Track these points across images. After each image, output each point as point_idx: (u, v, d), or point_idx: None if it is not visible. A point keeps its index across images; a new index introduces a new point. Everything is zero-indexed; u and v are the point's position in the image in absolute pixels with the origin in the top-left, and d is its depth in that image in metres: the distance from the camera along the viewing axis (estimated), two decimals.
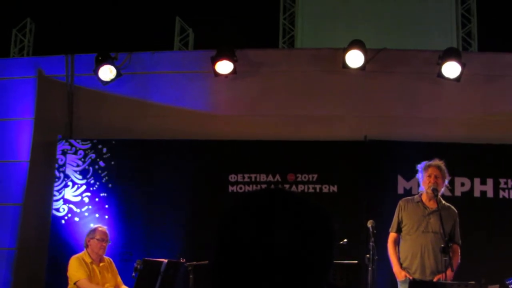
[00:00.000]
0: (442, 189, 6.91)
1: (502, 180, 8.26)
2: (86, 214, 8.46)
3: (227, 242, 1.45)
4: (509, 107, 8.57)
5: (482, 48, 13.15)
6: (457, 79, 8.43)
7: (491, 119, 8.52)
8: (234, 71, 8.61)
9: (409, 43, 11.19)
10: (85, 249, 7.38)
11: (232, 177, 8.46)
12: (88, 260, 7.27)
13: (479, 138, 8.33)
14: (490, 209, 8.18)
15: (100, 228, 7.46)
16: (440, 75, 8.46)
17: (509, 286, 6.39)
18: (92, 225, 7.91)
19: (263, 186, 8.37)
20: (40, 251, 8.33)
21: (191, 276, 6.84)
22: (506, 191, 8.22)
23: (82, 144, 8.66)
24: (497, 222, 8.08)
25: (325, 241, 1.48)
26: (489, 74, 8.72)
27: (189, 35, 12.83)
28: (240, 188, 8.42)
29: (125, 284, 7.43)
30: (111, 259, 7.54)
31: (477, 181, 8.27)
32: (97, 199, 8.50)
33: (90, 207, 8.49)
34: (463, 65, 8.37)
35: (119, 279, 7.49)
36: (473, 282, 6.08)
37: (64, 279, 7.24)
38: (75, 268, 7.16)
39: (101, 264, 7.36)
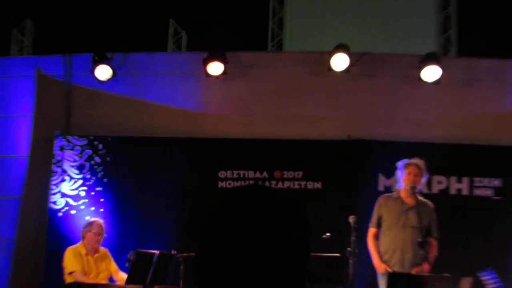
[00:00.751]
0: (420, 187, 7.05)
1: (476, 179, 8.36)
2: (82, 207, 8.51)
3: (211, 233, 1.44)
4: (485, 110, 8.65)
5: (460, 53, 13.27)
6: (436, 82, 8.53)
7: (468, 121, 8.57)
8: (224, 72, 8.65)
9: (392, 47, 11.21)
10: (81, 241, 7.47)
11: (222, 174, 8.52)
12: (83, 251, 7.36)
13: (456, 139, 8.41)
14: (465, 206, 8.28)
15: (97, 222, 7.54)
16: (420, 78, 8.54)
17: (482, 279, 6.49)
18: (88, 218, 8.01)
19: (251, 182, 8.37)
20: (38, 242, 8.38)
21: (181, 267, 6.87)
22: (480, 189, 8.34)
23: (79, 141, 8.69)
24: (471, 219, 8.18)
25: (303, 232, 1.47)
26: (467, 78, 8.78)
27: (182, 37, 12.92)
28: (229, 184, 8.45)
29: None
30: (106, 249, 7.62)
31: (453, 179, 8.39)
32: (93, 193, 8.55)
33: (86, 200, 8.54)
34: (442, 69, 8.45)
35: (115, 266, 7.56)
36: (448, 275, 6.22)
37: (61, 269, 7.29)
38: (70, 260, 7.26)
39: (95, 255, 7.44)
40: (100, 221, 7.64)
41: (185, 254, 6.91)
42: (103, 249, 7.60)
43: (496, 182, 8.36)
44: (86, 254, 7.39)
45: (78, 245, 7.47)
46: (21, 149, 8.82)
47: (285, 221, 1.44)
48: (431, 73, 8.54)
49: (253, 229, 1.40)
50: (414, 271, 6.64)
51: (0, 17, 12.41)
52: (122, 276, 7.29)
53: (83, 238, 7.48)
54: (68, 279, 7.18)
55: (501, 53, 9.50)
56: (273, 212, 1.44)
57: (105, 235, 7.61)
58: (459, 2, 14.46)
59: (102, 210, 8.48)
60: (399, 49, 10.97)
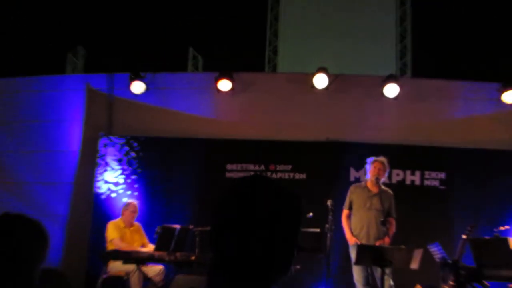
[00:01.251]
0: (383, 178, 7.03)
1: (426, 172, 8.36)
2: (121, 191, 8.50)
3: (220, 213, 1.43)
4: (432, 119, 8.63)
5: (414, 75, 13.30)
6: (395, 98, 8.51)
7: (419, 128, 8.55)
8: (232, 88, 8.62)
9: (361, 70, 11.27)
10: (120, 217, 7.51)
11: (229, 166, 8.50)
12: (122, 225, 7.41)
13: (410, 142, 8.39)
14: (417, 193, 8.27)
15: (133, 203, 7.59)
16: (383, 94, 8.52)
17: (430, 250, 6.45)
18: (125, 200, 8.02)
19: (251, 173, 8.39)
20: (85, 218, 8.37)
21: (197, 238, 6.86)
22: (429, 180, 8.34)
23: (119, 140, 8.69)
24: (422, 203, 8.17)
25: (296, 214, 1.46)
26: (418, 94, 8.76)
27: (198, 61, 12.92)
28: (235, 174, 8.44)
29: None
30: (139, 224, 7.63)
31: (408, 172, 8.38)
32: (129, 181, 8.54)
33: (123, 186, 8.53)
34: (399, 87, 8.44)
35: (145, 239, 7.56)
36: (404, 247, 6.24)
37: (104, 239, 7.33)
38: (111, 230, 7.30)
39: (131, 228, 7.48)
40: (135, 202, 7.68)
41: (200, 228, 6.90)
42: (137, 224, 7.61)
43: (441, 175, 8.35)
44: (124, 227, 7.42)
45: (118, 220, 7.49)
46: (73, 145, 8.80)
47: (280, 204, 1.43)
48: (391, 90, 8.51)
49: (253, 209, 1.39)
50: (377, 243, 6.64)
51: (58, 43, 12.43)
52: (151, 246, 7.28)
53: (122, 214, 7.52)
54: (109, 246, 7.19)
55: (445, 75, 9.54)
56: (271, 196, 1.43)
57: (138, 213, 7.62)
58: (413, 36, 14.50)
59: (136, 193, 8.44)
60: (367, 71, 10.97)
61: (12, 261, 1.98)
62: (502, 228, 6.91)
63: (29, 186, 8.58)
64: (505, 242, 6.31)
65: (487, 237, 6.61)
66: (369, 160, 7.04)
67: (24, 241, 2.03)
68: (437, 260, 6.37)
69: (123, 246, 7.11)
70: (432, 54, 14.42)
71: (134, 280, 6.83)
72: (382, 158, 6.99)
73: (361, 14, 14.71)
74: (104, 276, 7.01)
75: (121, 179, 8.59)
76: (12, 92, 9.10)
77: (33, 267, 2.05)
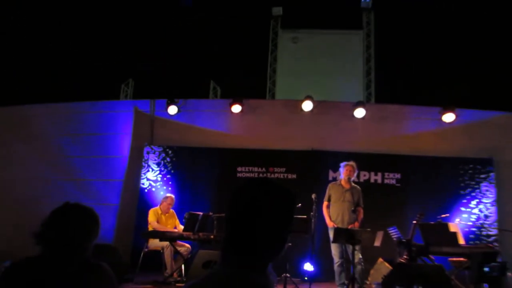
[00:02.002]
0: (353, 178, 6.93)
1: (386, 173, 8.27)
2: (159, 187, 8.43)
3: (233, 204, 1.41)
4: (391, 134, 8.53)
5: (377, 101, 13.25)
6: (363, 118, 8.47)
7: (381, 140, 8.47)
8: (242, 111, 8.61)
9: (337, 97, 11.23)
10: (159, 205, 7.41)
11: (239, 169, 8.43)
12: (159, 212, 7.30)
13: (374, 151, 8.31)
14: (379, 189, 8.16)
15: (171, 196, 7.45)
16: (353, 115, 8.47)
17: (389, 232, 6.40)
18: (162, 193, 7.98)
19: (256, 174, 8.36)
20: (132, 207, 8.34)
21: (215, 222, 6.84)
22: (388, 179, 8.24)
23: (158, 148, 8.65)
24: (383, 197, 8.05)
25: (290, 206, 1.45)
26: (380, 116, 8.69)
27: (218, 91, 12.91)
28: (243, 175, 8.37)
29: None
30: (174, 211, 7.52)
31: (372, 173, 8.29)
32: (165, 179, 8.48)
33: (161, 183, 8.47)
34: (366, 110, 8.41)
35: (177, 222, 7.46)
36: (369, 229, 6.16)
37: (146, 222, 7.26)
38: (151, 215, 7.21)
39: (167, 215, 7.36)
40: (172, 196, 7.54)
41: (217, 215, 6.89)
42: (172, 211, 7.49)
43: (397, 176, 8.25)
44: (161, 214, 7.31)
45: (157, 208, 7.39)
46: (124, 152, 8.73)
47: (279, 199, 1.43)
48: (360, 112, 8.46)
49: (259, 204, 1.39)
50: (349, 227, 6.53)
51: (115, 77, 12.51)
52: (181, 227, 7.21)
53: (161, 204, 7.41)
54: (149, 227, 7.12)
55: (400, 101, 9.48)
56: (273, 193, 1.42)
57: (173, 204, 7.51)
58: (376, 72, 14.47)
59: (170, 189, 8.39)
60: (342, 98, 10.92)
61: (68, 238, 2.00)
62: (443, 215, 6.84)
63: (90, 183, 8.54)
64: (446, 226, 6.30)
65: (432, 222, 6.58)
66: (342, 164, 6.97)
67: (78, 223, 2.04)
68: (395, 239, 6.33)
69: (158, 227, 7.04)
70: (390, 86, 14.39)
71: (168, 253, 6.78)
72: (351, 162, 6.91)
73: (338, 57, 14.80)
74: (146, 250, 6.95)
75: (159, 178, 8.54)
76: (80, 112, 9.08)
77: (86, 242, 2.06)
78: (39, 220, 2.03)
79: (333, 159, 7.90)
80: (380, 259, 6.67)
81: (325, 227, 7.01)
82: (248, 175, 8.37)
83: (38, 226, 2.01)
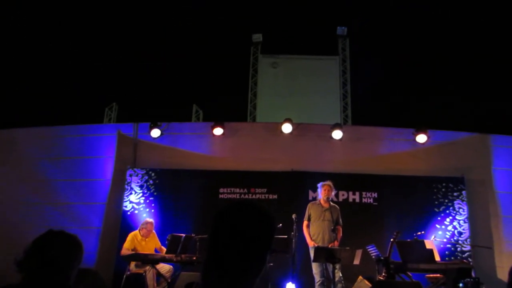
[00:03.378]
0: (331, 197, 6.97)
1: (363, 193, 8.26)
2: (142, 209, 8.27)
3: (214, 227, 1.42)
4: (366, 154, 8.58)
5: (353, 123, 13.45)
6: (340, 140, 8.54)
7: (358, 161, 8.51)
8: (223, 134, 8.58)
9: (316, 120, 11.31)
10: (138, 230, 7.26)
11: (221, 190, 8.30)
12: (139, 237, 7.13)
13: (351, 171, 8.32)
14: (357, 208, 8.15)
15: (150, 222, 7.29)
16: (331, 137, 8.54)
17: (368, 250, 6.41)
18: (145, 215, 7.86)
19: (238, 196, 8.26)
20: (115, 230, 8.13)
21: (197, 243, 6.73)
22: (366, 198, 8.23)
23: (141, 171, 8.51)
24: (361, 215, 8.04)
25: (270, 228, 1.46)
26: (356, 137, 8.75)
27: (200, 114, 12.93)
28: (225, 196, 8.26)
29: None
30: (155, 233, 7.37)
31: (350, 193, 8.27)
32: (148, 201, 8.32)
33: (143, 205, 8.31)
34: (343, 132, 8.50)
35: (159, 244, 7.31)
36: (348, 247, 6.17)
37: None
38: (128, 241, 7.04)
39: (147, 239, 7.17)
40: (152, 221, 7.36)
41: (199, 236, 6.77)
42: (153, 233, 7.33)
43: (375, 195, 8.25)
44: (141, 239, 7.13)
45: (137, 232, 7.22)
46: (107, 175, 8.58)
47: (261, 222, 1.44)
48: (337, 134, 8.52)
49: (240, 226, 1.40)
50: (329, 246, 6.52)
51: (98, 101, 12.45)
52: (164, 248, 7.08)
53: (140, 229, 7.24)
54: (122, 251, 6.98)
55: (376, 123, 9.62)
56: (253, 215, 1.43)
57: (153, 228, 7.34)
58: (352, 96, 14.72)
59: (153, 211, 8.24)
60: (320, 121, 11.01)
61: (51, 266, 1.95)
62: (419, 233, 6.87)
63: (73, 206, 8.33)
64: (422, 243, 6.31)
65: (409, 240, 6.61)
66: (319, 184, 7.00)
67: (62, 251, 1.99)
68: (373, 257, 6.32)
69: (128, 253, 6.85)
70: (366, 109, 14.66)
71: (150, 276, 6.66)
72: (328, 182, 6.95)
73: (316, 81, 15.01)
74: (128, 273, 6.79)
75: (142, 200, 8.38)
76: (64, 136, 8.93)
77: (69, 270, 2.01)
78: (21, 245, 1.99)
79: (313, 179, 7.87)
80: (360, 277, 6.65)
81: (306, 246, 6.98)
82: (230, 196, 8.27)
83: (21, 254, 1.96)
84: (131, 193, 8.40)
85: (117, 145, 8.75)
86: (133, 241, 7.05)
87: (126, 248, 6.95)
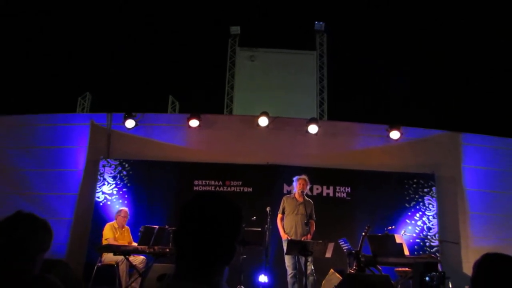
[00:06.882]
0: (306, 191, 7.02)
1: (337, 187, 8.36)
2: (114, 200, 8.18)
3: (183, 217, 1.44)
4: (341, 149, 8.67)
5: (329, 118, 13.56)
6: (316, 134, 8.60)
7: (332, 155, 8.58)
8: (199, 125, 8.54)
9: (292, 113, 11.36)
10: (114, 220, 7.23)
11: (195, 182, 8.28)
12: (116, 226, 7.13)
13: (326, 165, 8.39)
14: (331, 202, 8.24)
15: (124, 210, 7.29)
16: (307, 131, 8.59)
17: (340, 243, 6.50)
18: (118, 207, 7.76)
19: (213, 188, 8.25)
20: (86, 221, 8.03)
21: (171, 235, 6.64)
22: (339, 193, 8.34)
23: (114, 161, 8.41)
24: (335, 210, 8.13)
25: (235, 216, 1.46)
26: (332, 132, 8.84)
27: (176, 105, 12.80)
28: (200, 188, 8.23)
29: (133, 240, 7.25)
30: (128, 228, 7.33)
31: (324, 187, 8.35)
32: (121, 192, 8.24)
33: (117, 196, 8.22)
34: (318, 127, 8.57)
35: (131, 239, 7.26)
36: (321, 241, 6.22)
37: (101, 236, 7.06)
38: (108, 230, 7.02)
39: (123, 229, 7.19)
40: (126, 209, 7.38)
41: (173, 228, 6.61)
42: (126, 227, 7.31)
43: (348, 189, 8.37)
44: (117, 228, 7.13)
45: (113, 222, 7.21)
46: (80, 165, 8.45)
47: (225, 210, 1.44)
48: (313, 129, 8.58)
49: (206, 216, 1.40)
50: (302, 239, 6.57)
51: (71, 90, 12.17)
52: (134, 244, 7.00)
53: (116, 218, 7.22)
54: (104, 243, 6.88)
55: (351, 119, 9.71)
56: (218, 205, 1.44)
57: (128, 217, 7.34)
58: (328, 91, 14.83)
59: (125, 202, 8.15)
60: (296, 115, 11.07)
61: (17, 247, 1.89)
62: (390, 227, 7.00)
63: (44, 196, 8.17)
64: (393, 237, 6.43)
65: (379, 234, 6.71)
66: (295, 178, 7.03)
67: (29, 232, 1.93)
68: (345, 250, 6.41)
69: (114, 244, 6.79)
70: (342, 104, 14.81)
71: (122, 268, 6.60)
72: (304, 176, 7.00)
73: (293, 75, 15.09)
74: (99, 264, 6.72)
75: (115, 191, 8.28)
76: (35, 125, 8.73)
77: (35, 253, 1.94)
78: None
79: (288, 173, 7.92)
80: (331, 270, 6.72)
81: (279, 239, 7.03)
82: (205, 188, 8.24)
83: None
84: (104, 184, 8.29)
85: (90, 135, 8.61)
86: (112, 230, 7.02)
87: (109, 237, 6.91)
